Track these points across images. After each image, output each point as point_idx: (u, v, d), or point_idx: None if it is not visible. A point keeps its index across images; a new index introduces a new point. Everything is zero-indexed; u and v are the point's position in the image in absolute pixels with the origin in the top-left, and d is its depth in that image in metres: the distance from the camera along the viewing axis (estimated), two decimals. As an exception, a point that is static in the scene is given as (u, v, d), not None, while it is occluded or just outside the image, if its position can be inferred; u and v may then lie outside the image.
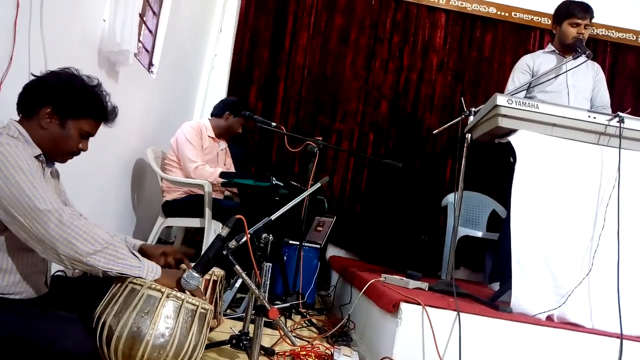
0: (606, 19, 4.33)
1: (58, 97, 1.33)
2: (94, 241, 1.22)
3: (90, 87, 1.39)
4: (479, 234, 3.71)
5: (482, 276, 3.95)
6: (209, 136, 3.25)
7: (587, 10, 2.78)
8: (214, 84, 4.40)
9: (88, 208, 1.75)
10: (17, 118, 1.36)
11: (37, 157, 1.32)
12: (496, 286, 2.84)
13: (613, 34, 4.46)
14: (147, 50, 3.19)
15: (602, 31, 4.41)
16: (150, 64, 3.22)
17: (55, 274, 1.61)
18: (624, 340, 1.80)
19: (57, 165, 1.48)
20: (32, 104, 1.34)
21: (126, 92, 2.69)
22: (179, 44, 3.61)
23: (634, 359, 1.81)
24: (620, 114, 2.14)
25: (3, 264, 1.27)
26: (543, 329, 1.83)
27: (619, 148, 2.07)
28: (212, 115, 3.38)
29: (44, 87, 1.34)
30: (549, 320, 1.95)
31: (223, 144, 3.41)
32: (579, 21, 2.77)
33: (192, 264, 1.40)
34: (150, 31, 3.20)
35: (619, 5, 4.51)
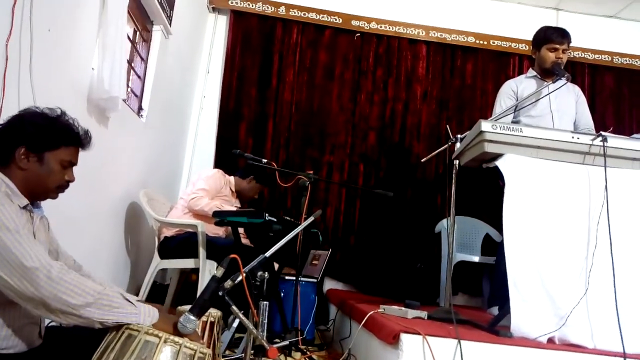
0: (582, 42, 4.48)
1: (28, 135, 1.32)
2: (85, 294, 1.20)
3: (55, 117, 1.39)
4: (475, 259, 3.71)
5: (480, 301, 3.93)
6: (230, 188, 3.40)
7: (564, 35, 2.88)
8: (204, 124, 4.46)
9: (81, 256, 1.73)
10: None
11: (24, 207, 1.30)
12: (495, 310, 2.83)
13: (589, 56, 4.61)
14: (136, 95, 3.23)
15: (578, 54, 4.55)
16: (140, 108, 3.26)
17: (49, 324, 1.58)
18: (627, 359, 1.79)
19: (49, 210, 1.48)
20: (4, 150, 1.32)
21: (117, 137, 2.71)
22: (168, 87, 3.67)
23: (639, 378, 1.79)
24: (603, 133, 2.19)
25: (-6, 320, 1.23)
26: (545, 352, 1.82)
27: (604, 166, 2.11)
28: (236, 174, 3.51)
29: (10, 130, 1.33)
30: (551, 343, 1.93)
31: (237, 203, 3.52)
32: (557, 46, 2.86)
33: (189, 307, 1.38)
34: (139, 76, 3.25)
35: (593, 27, 4.68)
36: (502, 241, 2.16)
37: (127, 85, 2.95)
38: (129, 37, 2.90)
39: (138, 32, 3.21)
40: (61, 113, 1.41)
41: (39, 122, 1.35)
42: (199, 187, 3.15)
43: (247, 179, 3.46)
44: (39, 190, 1.36)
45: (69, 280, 1.19)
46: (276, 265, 3.20)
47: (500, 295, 2.61)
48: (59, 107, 1.43)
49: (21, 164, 1.32)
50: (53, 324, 1.68)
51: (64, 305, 1.17)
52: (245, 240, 3.36)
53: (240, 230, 3.25)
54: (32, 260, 1.16)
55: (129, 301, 1.28)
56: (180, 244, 3.01)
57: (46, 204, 1.47)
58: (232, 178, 3.46)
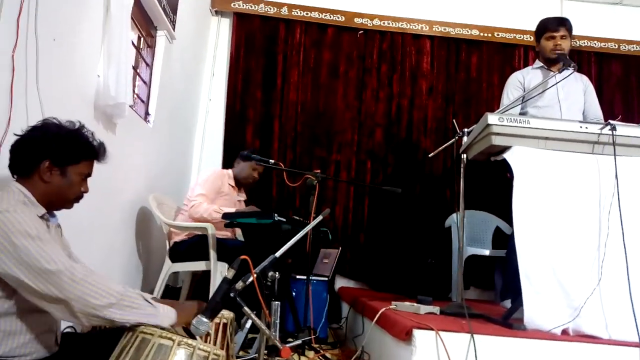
0: (587, 30, 4.45)
1: (52, 149, 1.35)
2: (108, 295, 1.24)
3: (77, 131, 1.42)
4: (486, 252, 3.69)
5: (493, 294, 3.91)
6: (229, 184, 3.34)
7: (560, 23, 2.88)
8: (211, 127, 4.47)
9: (93, 262, 1.75)
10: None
11: (41, 216, 1.33)
12: (508, 303, 2.81)
13: (595, 44, 4.56)
14: (142, 101, 3.25)
15: (584, 42, 4.51)
16: (147, 114, 3.28)
17: (65, 330, 1.60)
18: (643, 349, 1.77)
19: (60, 218, 1.50)
20: (27, 162, 1.35)
21: (124, 143, 2.73)
22: (174, 92, 3.69)
23: (656, 367, 1.78)
24: (612, 122, 2.17)
25: (12, 327, 1.26)
26: (559, 343, 1.80)
27: (614, 155, 2.09)
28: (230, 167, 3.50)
29: (34, 143, 1.36)
30: (565, 335, 1.92)
31: (242, 196, 3.48)
32: (554, 34, 2.87)
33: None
34: (145, 82, 3.27)
35: (599, 15, 4.63)
36: (513, 234, 2.15)
37: (133, 91, 2.97)
38: (133, 44, 2.92)
39: (142, 38, 3.23)
40: (80, 126, 1.45)
41: (62, 137, 1.39)
42: (197, 193, 3.11)
43: (235, 165, 3.42)
44: (58, 201, 1.41)
45: (92, 281, 1.23)
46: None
47: (512, 288, 2.59)
48: (79, 120, 1.46)
49: (44, 176, 1.36)
50: (69, 330, 1.71)
51: (87, 307, 1.21)
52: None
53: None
54: (55, 264, 1.20)
55: (149, 302, 1.32)
56: (190, 247, 3.02)
57: (58, 212, 1.49)
58: (230, 173, 3.40)
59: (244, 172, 3.38)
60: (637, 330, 1.83)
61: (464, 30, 4.53)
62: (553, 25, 2.87)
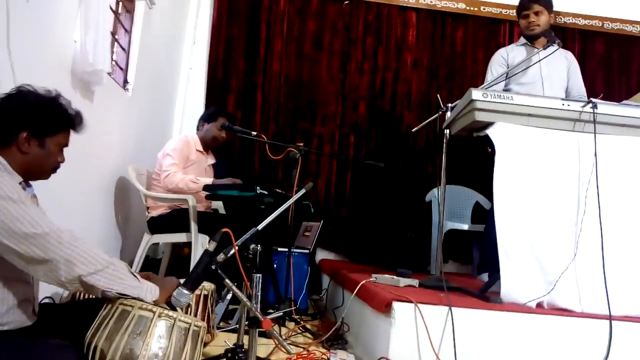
0: (572, 7, 4.44)
1: (31, 120, 1.32)
2: (94, 261, 1.22)
3: (54, 100, 1.38)
4: (465, 227, 3.75)
5: (470, 268, 3.99)
6: (196, 149, 3.24)
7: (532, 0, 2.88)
8: (192, 96, 4.38)
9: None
10: None
11: (18, 184, 1.30)
12: (485, 277, 2.88)
13: (580, 21, 4.56)
14: (121, 68, 3.15)
15: (569, 19, 4.51)
16: (125, 82, 3.19)
17: (43, 301, 1.58)
18: (613, 322, 1.83)
19: (37, 187, 1.46)
20: (5, 132, 1.31)
21: (102, 111, 2.66)
22: (153, 60, 3.59)
23: (624, 339, 1.84)
24: (593, 100, 2.19)
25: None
26: (534, 316, 1.86)
27: (594, 133, 2.12)
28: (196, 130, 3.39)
29: (12, 113, 1.31)
30: (540, 308, 1.97)
31: (211, 159, 3.40)
32: (526, 12, 2.91)
33: (182, 280, 1.39)
34: (124, 49, 3.17)
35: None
36: (492, 208, 2.18)
37: (112, 58, 2.88)
38: (111, 8, 2.81)
39: (121, 3, 3.12)
40: (57, 95, 1.40)
41: (41, 107, 1.35)
42: (169, 164, 3.03)
43: (200, 128, 3.33)
44: (35, 172, 1.38)
45: (79, 245, 1.21)
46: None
47: (490, 262, 2.65)
48: (55, 88, 1.41)
49: (22, 147, 1.32)
50: (47, 300, 1.69)
51: (73, 271, 1.19)
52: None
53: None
54: (41, 227, 1.18)
55: (135, 276, 1.31)
56: (169, 218, 2.99)
57: (35, 182, 1.46)
58: (195, 137, 3.29)
59: (210, 133, 3.28)
60: (608, 304, 1.89)
61: (450, 4, 4.48)
62: (525, 3, 2.90)
